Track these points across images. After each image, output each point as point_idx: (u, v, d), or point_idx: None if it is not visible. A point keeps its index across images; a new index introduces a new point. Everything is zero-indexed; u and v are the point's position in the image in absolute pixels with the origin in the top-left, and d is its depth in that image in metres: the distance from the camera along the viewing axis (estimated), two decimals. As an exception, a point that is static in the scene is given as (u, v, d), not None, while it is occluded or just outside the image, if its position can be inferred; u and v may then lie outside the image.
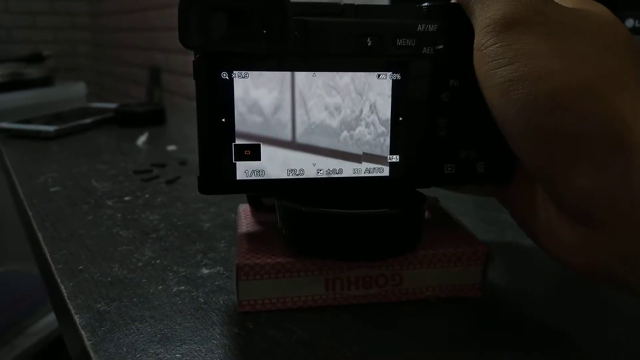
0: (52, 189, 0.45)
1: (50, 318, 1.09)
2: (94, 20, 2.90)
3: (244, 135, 0.24)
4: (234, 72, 0.24)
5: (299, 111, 0.24)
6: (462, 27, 0.25)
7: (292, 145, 0.25)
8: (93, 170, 0.51)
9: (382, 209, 0.24)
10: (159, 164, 0.53)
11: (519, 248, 0.33)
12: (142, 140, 0.64)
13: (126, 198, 0.42)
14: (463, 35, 0.24)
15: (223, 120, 0.24)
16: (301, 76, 0.24)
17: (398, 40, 0.24)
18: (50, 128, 0.66)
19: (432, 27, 0.25)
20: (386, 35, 0.24)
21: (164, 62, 2.17)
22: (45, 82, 1.39)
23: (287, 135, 0.25)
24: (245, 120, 0.24)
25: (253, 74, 0.24)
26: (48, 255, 0.32)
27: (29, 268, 1.16)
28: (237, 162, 0.24)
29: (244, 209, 0.31)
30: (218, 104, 0.24)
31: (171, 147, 0.61)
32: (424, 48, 0.25)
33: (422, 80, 0.25)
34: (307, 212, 0.23)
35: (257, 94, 0.24)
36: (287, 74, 0.24)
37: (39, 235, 0.35)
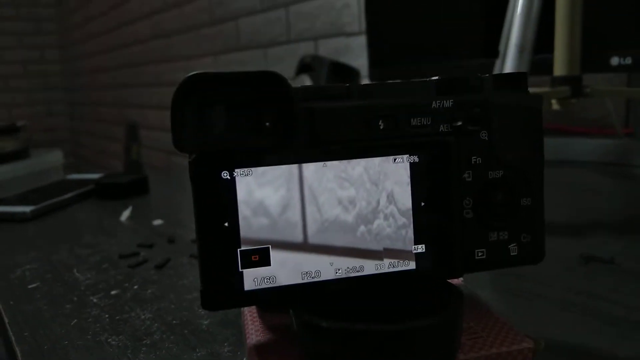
0: (30, 286, 0.41)
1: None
2: (68, 80, 2.89)
3: (251, 240, 0.21)
4: (236, 170, 0.21)
5: (309, 208, 0.22)
6: (479, 101, 0.22)
7: (305, 246, 0.22)
8: (74, 257, 0.47)
9: (412, 312, 0.20)
10: (146, 244, 0.49)
11: (569, 329, 0.30)
12: (125, 215, 0.61)
13: (113, 292, 0.39)
14: (481, 110, 0.22)
15: (226, 224, 0.21)
16: (310, 168, 0.21)
17: (412, 120, 0.22)
18: (27, 209, 0.62)
19: (447, 103, 0.22)
20: (399, 116, 0.22)
21: (140, 118, 2.16)
22: (20, 154, 1.35)
23: (297, 237, 0.22)
24: (251, 222, 0.21)
25: (257, 171, 0.21)
26: (28, 379, 0.28)
27: None
28: (244, 271, 0.21)
29: (249, 309, 0.27)
30: (219, 206, 0.21)
31: (157, 222, 0.58)
32: (441, 126, 0.22)
33: (442, 160, 0.22)
34: (334, 329, 0.20)
35: (262, 192, 0.21)
36: (295, 167, 0.21)
37: (17, 350, 0.31)
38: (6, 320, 0.36)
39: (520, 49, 0.46)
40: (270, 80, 0.20)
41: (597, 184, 0.66)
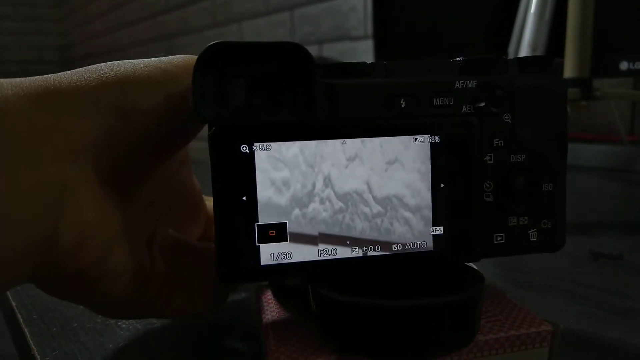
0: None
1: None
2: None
3: (268, 215, 0.21)
4: (255, 144, 0.21)
5: (326, 190, 0.22)
6: (503, 82, 0.22)
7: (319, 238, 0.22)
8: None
9: (432, 292, 0.20)
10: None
11: (580, 320, 0.29)
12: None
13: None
14: (505, 92, 0.22)
15: (244, 198, 0.21)
16: (329, 145, 0.21)
17: (435, 100, 0.22)
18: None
19: (471, 84, 0.22)
20: (422, 95, 0.22)
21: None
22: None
23: (314, 217, 0.22)
24: (268, 197, 0.21)
25: (275, 146, 0.21)
26: (39, 358, 0.28)
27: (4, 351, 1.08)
28: (260, 245, 0.21)
29: (264, 289, 0.27)
30: (238, 180, 0.21)
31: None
32: (464, 106, 0.22)
33: (463, 141, 0.22)
34: (351, 303, 0.20)
35: (280, 168, 0.21)
36: (314, 144, 0.21)
37: (26, 331, 0.31)
38: (14, 304, 0.35)
39: (533, 49, 0.46)
40: (294, 52, 0.20)
41: (603, 188, 0.67)
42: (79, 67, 0.22)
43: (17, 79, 0.20)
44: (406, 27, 0.94)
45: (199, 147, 0.29)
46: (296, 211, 0.21)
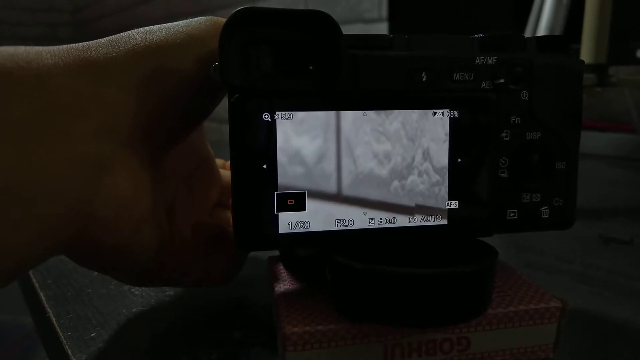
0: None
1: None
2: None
3: (287, 184, 0.21)
4: (277, 112, 0.21)
5: (345, 160, 0.22)
6: (523, 60, 0.22)
7: (338, 197, 0.22)
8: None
9: (446, 263, 0.21)
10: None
11: (588, 300, 0.30)
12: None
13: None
14: (524, 69, 0.22)
15: (264, 166, 0.21)
16: (349, 118, 0.21)
17: (455, 75, 0.22)
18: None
19: (490, 60, 0.22)
20: (442, 69, 0.22)
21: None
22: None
23: (332, 187, 0.22)
24: (288, 167, 0.21)
25: (297, 115, 0.21)
26: (54, 320, 0.28)
27: (16, 319, 1.10)
28: (279, 214, 0.21)
29: (276, 261, 0.28)
30: (258, 148, 0.21)
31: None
32: (483, 82, 0.22)
33: (482, 117, 0.22)
34: (367, 271, 0.20)
35: (300, 138, 0.21)
36: (333, 117, 0.21)
37: (42, 295, 0.32)
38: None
39: (550, 33, 0.46)
40: (322, 21, 0.20)
41: (615, 176, 0.66)
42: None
43: (54, 47, 0.20)
44: (420, 11, 0.94)
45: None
46: (319, 169, 0.22)
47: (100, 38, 0.21)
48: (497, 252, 0.22)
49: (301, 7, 1.42)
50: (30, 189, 0.17)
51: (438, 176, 0.22)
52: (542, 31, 0.47)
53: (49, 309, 0.30)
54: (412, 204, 0.23)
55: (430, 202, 0.23)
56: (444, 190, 0.23)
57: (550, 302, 0.23)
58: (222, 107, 0.23)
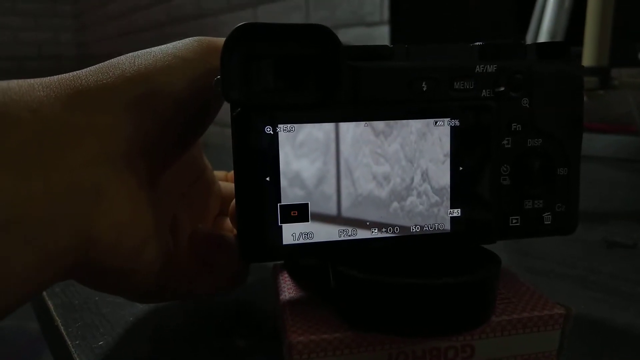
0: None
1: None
2: (82, 64, 2.90)
3: (290, 196, 0.22)
4: (279, 125, 0.21)
5: (344, 181, 0.22)
6: (523, 67, 0.23)
7: (338, 220, 0.22)
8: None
9: (450, 271, 0.21)
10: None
11: (592, 305, 0.30)
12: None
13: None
14: (524, 77, 0.22)
15: (267, 179, 0.21)
16: (349, 134, 0.22)
17: (455, 83, 0.22)
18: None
19: (490, 68, 0.22)
20: (442, 78, 0.22)
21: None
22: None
23: (332, 208, 0.22)
24: (291, 178, 0.22)
25: (299, 128, 0.21)
26: (62, 328, 0.28)
27: (22, 324, 1.11)
28: (283, 225, 0.22)
29: (281, 269, 0.28)
30: (261, 161, 0.21)
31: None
32: (484, 90, 0.23)
33: (483, 125, 0.23)
34: (370, 281, 0.21)
35: (302, 152, 0.22)
36: (334, 131, 0.22)
37: (50, 303, 0.32)
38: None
39: (552, 37, 0.46)
40: (322, 35, 0.20)
41: (618, 179, 0.66)
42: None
43: (46, 79, 0.20)
44: (422, 14, 0.94)
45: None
46: (319, 191, 0.22)
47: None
48: (500, 259, 0.22)
49: (302, 11, 1.42)
50: (27, 221, 0.17)
51: (437, 197, 0.23)
52: (544, 35, 0.47)
53: (57, 317, 0.30)
54: (412, 224, 0.23)
55: (430, 221, 0.23)
56: (442, 210, 0.23)
57: (554, 309, 0.23)
58: (225, 111, 0.24)
